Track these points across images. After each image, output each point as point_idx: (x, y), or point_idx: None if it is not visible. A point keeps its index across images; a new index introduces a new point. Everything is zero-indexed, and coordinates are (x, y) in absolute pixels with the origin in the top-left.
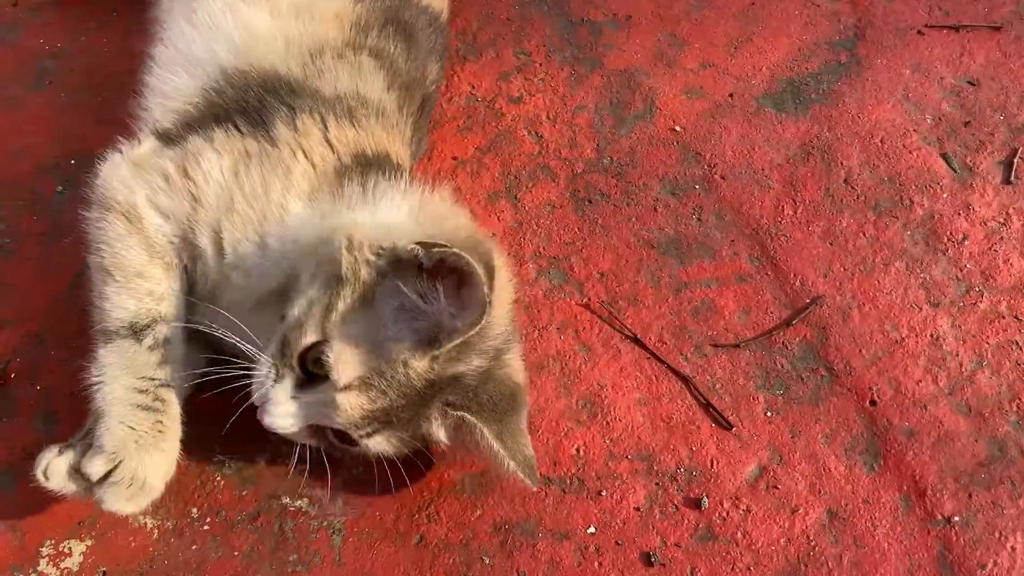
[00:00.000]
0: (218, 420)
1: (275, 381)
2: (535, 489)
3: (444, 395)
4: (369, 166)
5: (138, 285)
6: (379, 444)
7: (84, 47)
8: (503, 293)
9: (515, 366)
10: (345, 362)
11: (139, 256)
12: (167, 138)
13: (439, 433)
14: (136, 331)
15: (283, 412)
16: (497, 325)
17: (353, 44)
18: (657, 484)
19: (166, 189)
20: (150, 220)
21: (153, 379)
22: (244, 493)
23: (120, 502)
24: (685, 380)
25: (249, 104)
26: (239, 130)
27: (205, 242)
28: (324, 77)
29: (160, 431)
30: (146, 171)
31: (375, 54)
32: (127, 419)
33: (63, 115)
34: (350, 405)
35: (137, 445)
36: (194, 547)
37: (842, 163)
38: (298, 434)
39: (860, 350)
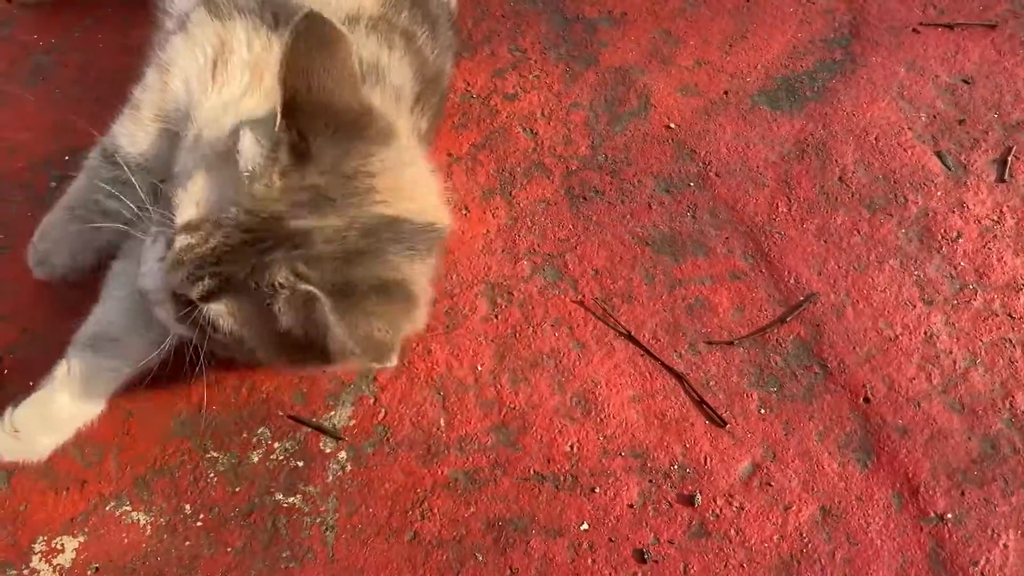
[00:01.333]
0: (209, 415)
1: (152, 243)
2: (384, 366)
3: (288, 260)
4: None
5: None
6: (221, 314)
7: (79, 42)
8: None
9: (407, 271)
10: (187, 204)
11: None
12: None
13: (286, 316)
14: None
15: (146, 271)
16: (359, 173)
17: (387, 19)
18: (651, 481)
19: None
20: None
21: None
22: (237, 490)
23: None
24: (679, 377)
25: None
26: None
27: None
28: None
29: None
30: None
31: (406, 36)
32: None
33: (57, 111)
34: (179, 245)
35: None
36: (187, 543)
37: (837, 161)
38: (169, 315)
39: (854, 347)
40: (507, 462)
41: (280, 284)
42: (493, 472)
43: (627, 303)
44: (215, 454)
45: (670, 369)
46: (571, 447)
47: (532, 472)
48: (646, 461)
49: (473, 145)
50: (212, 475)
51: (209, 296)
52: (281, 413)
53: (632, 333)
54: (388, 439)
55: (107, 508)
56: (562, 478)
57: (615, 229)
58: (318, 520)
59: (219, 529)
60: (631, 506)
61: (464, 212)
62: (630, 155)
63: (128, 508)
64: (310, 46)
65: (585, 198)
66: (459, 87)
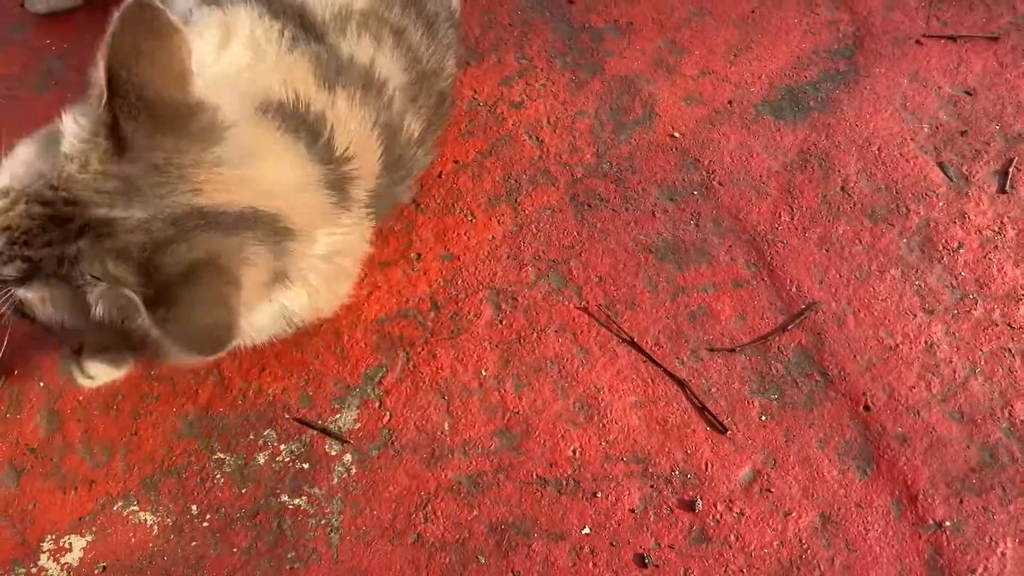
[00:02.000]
0: (216, 416)
1: None
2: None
3: (97, 252)
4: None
5: None
6: (35, 299)
7: (91, 47)
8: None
9: (227, 256)
10: (6, 168)
11: None
12: None
13: (101, 309)
14: None
15: None
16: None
17: (378, 15)
18: (652, 486)
19: None
20: None
21: None
22: (243, 491)
23: None
24: (681, 384)
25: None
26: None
27: None
28: (345, 39)
29: None
30: None
31: (396, 32)
32: None
33: None
34: None
35: None
36: (193, 543)
37: (839, 171)
38: None
39: (855, 356)
40: (510, 466)
41: (93, 276)
42: (496, 476)
43: (630, 310)
44: (222, 455)
45: (672, 375)
46: (574, 452)
47: (535, 476)
48: (648, 466)
49: (479, 152)
50: (219, 476)
51: (20, 280)
52: (287, 415)
53: (635, 339)
54: (393, 442)
55: (115, 508)
56: (564, 482)
57: (619, 236)
58: (323, 522)
59: (225, 530)
60: (632, 511)
61: (470, 218)
62: (635, 163)
63: (135, 508)
64: (136, 33)
65: (590, 205)
66: (466, 95)
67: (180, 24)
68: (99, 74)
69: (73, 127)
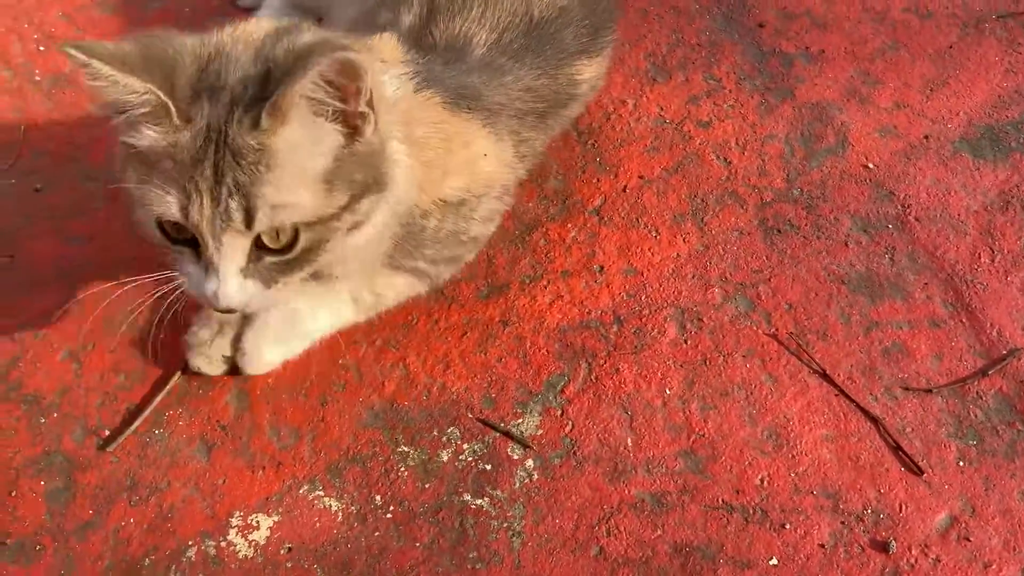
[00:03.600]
0: (401, 410)
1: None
2: None
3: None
4: None
5: None
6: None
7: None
8: None
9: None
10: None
11: None
12: None
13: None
14: None
15: (202, 282)
16: None
17: None
18: (843, 523)
19: None
20: None
21: None
22: (427, 486)
23: None
24: (874, 421)
25: None
26: None
27: None
28: None
29: None
30: None
31: None
32: None
33: None
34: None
35: None
36: (376, 534)
37: None
38: (263, 288)
39: None
40: (695, 488)
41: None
42: (680, 497)
43: (822, 340)
44: (406, 448)
45: (865, 412)
46: (761, 480)
47: (721, 501)
48: (838, 502)
49: (665, 169)
50: (403, 469)
51: (248, 214)
52: (470, 415)
53: (827, 372)
54: (575, 452)
55: (300, 491)
56: (751, 510)
57: (810, 264)
58: (505, 525)
59: (408, 523)
60: (822, 546)
61: (654, 234)
62: (826, 191)
63: (321, 493)
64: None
65: (779, 231)
66: (653, 112)
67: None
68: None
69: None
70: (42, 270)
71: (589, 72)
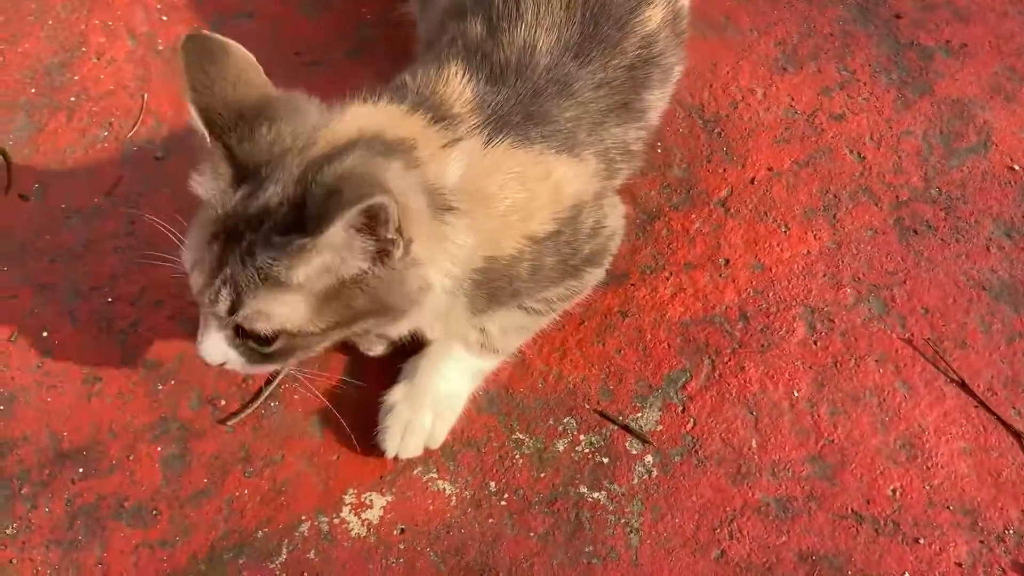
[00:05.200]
0: (516, 396)
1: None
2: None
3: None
4: None
5: None
6: (253, 311)
7: (401, 18)
8: None
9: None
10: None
11: None
12: None
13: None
14: None
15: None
16: None
17: None
18: (981, 542)
19: None
20: None
21: None
22: (542, 475)
23: None
24: (1017, 436)
25: None
26: None
27: None
28: None
29: None
30: None
31: None
32: None
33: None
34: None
35: None
36: (490, 520)
37: None
38: (243, 362)
39: None
40: (823, 496)
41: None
42: (807, 504)
43: (960, 348)
44: (521, 436)
45: (1008, 426)
46: (893, 491)
47: (850, 511)
48: (977, 519)
49: (795, 162)
50: (518, 456)
51: (232, 308)
52: (587, 406)
53: (966, 381)
54: (696, 451)
55: (414, 472)
56: (882, 522)
57: (948, 268)
58: (622, 521)
59: (523, 512)
60: (959, 564)
61: (784, 230)
62: (967, 192)
63: (434, 475)
64: (200, 65)
65: (916, 231)
66: (783, 102)
67: (225, 39)
68: (195, 120)
69: (198, 185)
70: (160, 239)
71: (657, 15)
